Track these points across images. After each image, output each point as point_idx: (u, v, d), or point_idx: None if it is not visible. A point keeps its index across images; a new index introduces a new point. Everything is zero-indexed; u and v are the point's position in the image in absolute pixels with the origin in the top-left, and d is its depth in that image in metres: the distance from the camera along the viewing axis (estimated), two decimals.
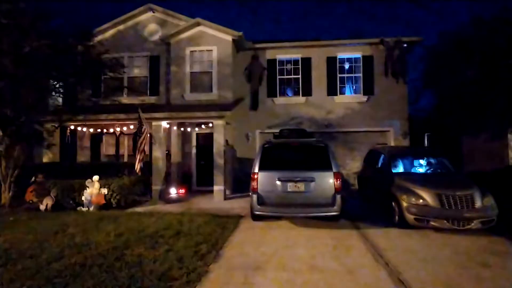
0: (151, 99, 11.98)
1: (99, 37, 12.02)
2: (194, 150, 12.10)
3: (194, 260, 4.55)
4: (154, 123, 10.04)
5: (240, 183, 11.23)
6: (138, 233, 5.91)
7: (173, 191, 10.95)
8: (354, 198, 9.60)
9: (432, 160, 7.40)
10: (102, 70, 11.12)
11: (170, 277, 3.97)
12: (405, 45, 11.81)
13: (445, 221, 5.61)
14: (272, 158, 6.44)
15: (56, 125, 10.03)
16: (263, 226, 6.55)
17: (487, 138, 9.66)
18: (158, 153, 9.99)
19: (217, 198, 9.64)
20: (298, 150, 6.52)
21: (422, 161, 7.47)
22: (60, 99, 11.45)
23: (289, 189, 6.12)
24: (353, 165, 12.05)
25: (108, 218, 7.16)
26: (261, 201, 6.17)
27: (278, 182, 6.15)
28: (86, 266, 4.32)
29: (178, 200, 9.91)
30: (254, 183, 6.26)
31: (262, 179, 6.23)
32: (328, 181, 6.08)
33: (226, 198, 9.87)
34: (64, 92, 11.19)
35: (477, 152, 11.82)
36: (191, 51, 11.63)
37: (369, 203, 8.58)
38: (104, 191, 8.25)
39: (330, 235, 5.91)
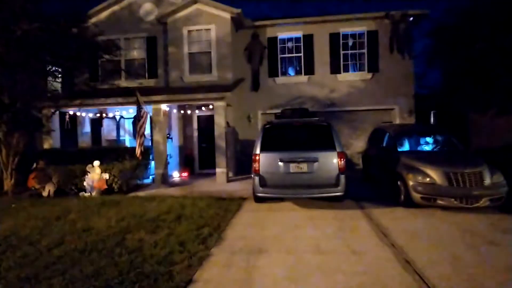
0: (150, 82, 11.72)
1: (94, 19, 11.67)
2: (195, 133, 11.95)
3: (196, 244, 4.48)
4: (153, 106, 9.84)
5: (242, 165, 11.12)
6: (140, 218, 5.85)
7: (176, 175, 10.92)
8: (358, 178, 9.46)
9: (438, 138, 7.17)
10: (97, 53, 10.86)
11: (171, 262, 3.90)
12: (411, 18, 11.30)
13: (453, 200, 5.46)
14: (274, 139, 6.26)
15: (53, 110, 9.88)
16: (266, 208, 6.46)
17: (494, 114, 9.34)
18: (158, 137, 9.84)
19: (220, 181, 9.56)
20: (300, 130, 6.32)
21: (429, 139, 7.25)
22: (58, 85, 11.27)
23: (291, 170, 5.97)
24: (357, 144, 11.84)
25: (109, 203, 7.11)
26: (263, 183, 6.05)
27: (280, 163, 5.99)
28: (86, 252, 4.26)
29: (180, 184, 9.84)
30: (255, 165, 6.12)
31: (264, 160, 6.08)
32: (331, 161, 5.92)
33: (228, 180, 9.79)
34: (61, 77, 10.99)
35: (484, 129, 11.52)
36: (189, 31, 11.24)
37: (373, 183, 8.44)
38: (106, 176, 8.18)
39: (334, 216, 5.80)
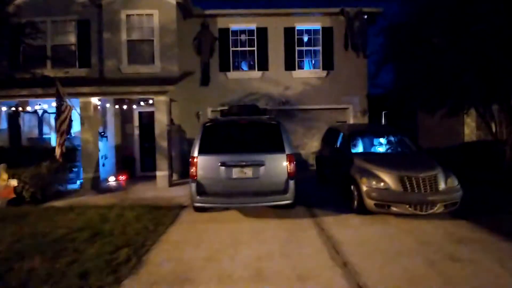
0: (81, 72, 10.16)
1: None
2: (136, 131, 10.66)
3: (104, 274, 3.47)
4: (81, 99, 8.45)
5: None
6: (43, 237, 4.66)
7: (111, 179, 9.58)
8: (312, 180, 8.95)
9: (393, 139, 6.83)
10: (18, 37, 9.16)
11: None
12: (365, 16, 11.10)
13: (408, 206, 5.03)
14: (215, 139, 5.41)
15: None
16: (207, 219, 5.58)
17: (443, 115, 9.36)
18: (88, 135, 8.48)
19: (161, 185, 8.48)
20: (246, 129, 5.53)
21: (383, 140, 6.89)
22: None
23: (234, 176, 5.15)
24: (312, 144, 11.41)
25: (12, 217, 5.75)
26: (201, 191, 5.16)
27: (221, 168, 5.15)
28: None
29: (115, 189, 8.58)
30: (193, 169, 5.21)
31: (202, 164, 5.20)
32: (280, 164, 5.20)
33: (171, 184, 8.73)
34: None
35: (432, 129, 11.75)
36: (128, 15, 9.93)
37: (328, 186, 7.94)
38: (13, 182, 6.71)
39: (283, 226, 5.11)
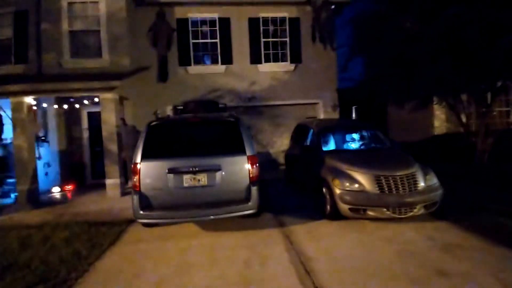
0: (17, 68, 8.77)
1: None
2: (86, 134, 9.45)
3: None
4: (12, 99, 7.21)
5: None
6: None
7: (55, 189, 8.36)
8: (282, 181, 8.29)
9: (366, 134, 6.29)
10: None
11: None
12: (333, 6, 10.58)
13: (385, 210, 4.45)
14: (162, 141, 4.53)
15: None
16: (156, 236, 4.71)
17: (413, 107, 9.04)
18: (21, 141, 7.25)
19: (112, 194, 7.43)
20: (200, 128, 4.70)
21: (356, 136, 6.32)
22: None
23: (185, 184, 4.31)
24: (282, 142, 10.74)
25: None
26: (146, 204, 4.27)
27: (169, 175, 4.29)
28: None
29: (58, 202, 7.44)
30: (135, 178, 4.31)
31: (146, 171, 4.31)
32: (240, 168, 4.43)
33: (124, 193, 7.67)
34: None
35: (403, 123, 11.50)
36: (70, 3, 8.68)
37: (298, 188, 7.28)
38: None
39: (245, 241, 4.35)
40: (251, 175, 4.43)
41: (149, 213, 4.22)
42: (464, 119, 8.75)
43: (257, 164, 4.56)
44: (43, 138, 8.52)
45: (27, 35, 8.91)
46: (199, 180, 4.33)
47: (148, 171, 4.31)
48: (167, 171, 4.26)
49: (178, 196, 4.32)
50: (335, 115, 10.80)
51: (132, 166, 4.38)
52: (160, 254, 4.04)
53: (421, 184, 4.67)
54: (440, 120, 10.75)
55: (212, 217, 4.33)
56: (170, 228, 4.97)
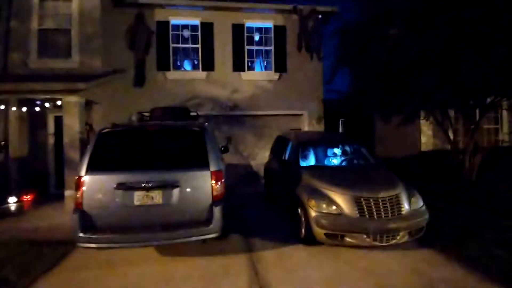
0: None
1: None
2: (51, 140, 8.75)
3: None
4: None
5: None
6: None
7: (11, 200, 7.57)
8: (261, 197, 7.73)
9: (348, 149, 5.82)
10: None
11: None
12: (320, 16, 10.29)
13: (365, 236, 3.93)
14: (113, 152, 3.95)
15: None
16: (101, 261, 4.08)
17: (400, 121, 8.67)
18: None
19: (71, 207, 6.69)
20: (159, 138, 4.12)
21: (337, 151, 5.84)
22: None
23: (136, 202, 3.72)
24: (264, 154, 10.11)
25: None
26: (87, 224, 3.65)
27: (118, 191, 3.69)
28: None
29: (10, 214, 6.70)
30: (78, 194, 3.71)
31: (91, 186, 3.71)
32: (201, 185, 3.86)
33: None
34: None
35: (389, 138, 11.14)
36: (41, 0, 8.15)
37: (276, 205, 6.73)
38: None
39: (203, 269, 3.77)
40: (214, 193, 3.87)
41: (92, 236, 3.58)
42: (451, 136, 8.42)
43: (223, 181, 4.01)
44: (2, 142, 7.80)
45: None
46: (152, 198, 3.74)
47: (94, 185, 3.70)
48: (115, 186, 3.67)
49: (127, 216, 3.71)
50: (320, 128, 10.37)
51: (76, 179, 3.77)
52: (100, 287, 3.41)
53: (406, 207, 4.18)
54: (427, 136, 10.46)
55: (166, 242, 3.73)
56: (122, 250, 4.33)
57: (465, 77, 5.28)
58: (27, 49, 8.02)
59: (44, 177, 8.62)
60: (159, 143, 4.06)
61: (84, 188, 3.68)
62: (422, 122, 9.76)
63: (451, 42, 5.27)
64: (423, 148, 10.17)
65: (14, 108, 7.56)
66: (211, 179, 3.88)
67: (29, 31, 8.05)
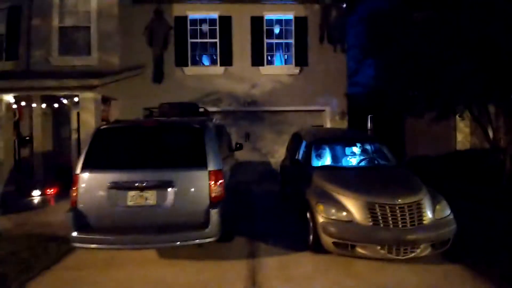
0: (7, 65, 8.54)
1: None
2: (75, 135, 8.97)
3: None
4: None
5: None
6: None
7: (35, 193, 7.89)
8: (276, 197, 7.40)
9: (366, 148, 5.32)
10: None
11: None
12: (344, 4, 9.67)
13: (379, 248, 3.49)
14: (109, 149, 3.82)
15: None
16: (99, 260, 3.98)
17: (433, 118, 7.90)
18: None
19: None
20: (157, 135, 3.94)
21: (355, 150, 5.36)
22: None
23: (129, 203, 3.56)
24: (283, 151, 9.77)
25: None
26: (81, 223, 3.55)
27: (111, 191, 3.55)
28: None
29: (34, 207, 6.96)
30: (74, 193, 3.61)
31: (86, 184, 3.60)
32: (198, 185, 3.63)
33: None
34: None
35: (420, 135, 10.30)
36: None
37: (290, 206, 6.37)
38: None
39: (199, 276, 3.53)
40: (212, 195, 3.62)
41: (85, 237, 3.47)
42: (491, 134, 7.54)
43: (222, 181, 3.74)
44: (26, 137, 8.12)
45: (19, 32, 8.63)
46: (146, 199, 3.56)
47: (88, 184, 3.59)
48: (108, 185, 3.53)
49: (120, 217, 3.56)
50: (343, 124, 9.81)
51: (73, 177, 3.68)
52: None
53: (429, 216, 3.67)
54: (463, 133, 9.53)
55: (158, 245, 3.54)
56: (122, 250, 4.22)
57: (506, 66, 4.55)
58: (48, 46, 8.27)
59: (68, 172, 8.87)
60: (157, 140, 3.88)
61: (78, 186, 3.58)
62: (458, 118, 8.87)
63: (485, 22, 4.56)
64: (459, 146, 9.28)
65: (35, 105, 7.82)
66: (209, 179, 3.63)
67: (50, 29, 8.29)
